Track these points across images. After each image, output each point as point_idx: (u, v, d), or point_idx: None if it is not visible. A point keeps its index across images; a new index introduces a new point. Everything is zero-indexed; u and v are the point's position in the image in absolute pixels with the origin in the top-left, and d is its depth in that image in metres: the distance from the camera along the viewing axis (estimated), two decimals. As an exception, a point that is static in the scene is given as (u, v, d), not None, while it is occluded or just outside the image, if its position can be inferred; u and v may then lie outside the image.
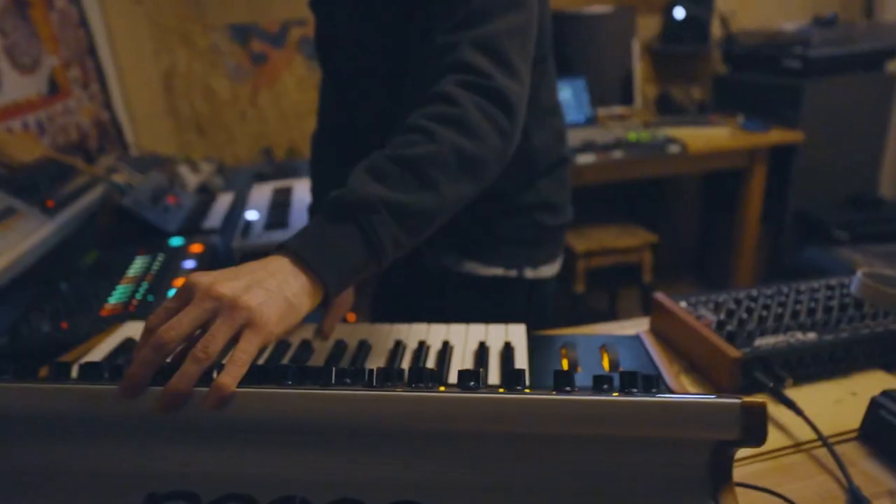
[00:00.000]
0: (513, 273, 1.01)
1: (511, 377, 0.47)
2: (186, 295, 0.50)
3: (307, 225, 0.60)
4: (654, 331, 0.82)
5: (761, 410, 0.40)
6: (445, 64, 0.69)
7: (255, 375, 0.50)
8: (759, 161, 2.23)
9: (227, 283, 0.51)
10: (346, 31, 0.94)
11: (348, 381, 0.49)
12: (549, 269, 1.05)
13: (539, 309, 1.06)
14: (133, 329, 0.77)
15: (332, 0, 0.98)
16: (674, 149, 2.01)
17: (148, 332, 0.49)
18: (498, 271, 1.01)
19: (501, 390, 0.44)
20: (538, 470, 0.44)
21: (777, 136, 2.19)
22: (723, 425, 0.40)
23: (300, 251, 0.55)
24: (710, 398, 0.41)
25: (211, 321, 0.49)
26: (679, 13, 2.54)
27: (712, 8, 2.59)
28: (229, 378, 0.46)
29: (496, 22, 0.70)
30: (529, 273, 1.01)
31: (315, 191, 1.08)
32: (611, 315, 2.60)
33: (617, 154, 1.96)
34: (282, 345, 0.72)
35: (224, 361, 0.48)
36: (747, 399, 0.40)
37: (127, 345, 0.73)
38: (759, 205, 2.31)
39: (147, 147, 2.38)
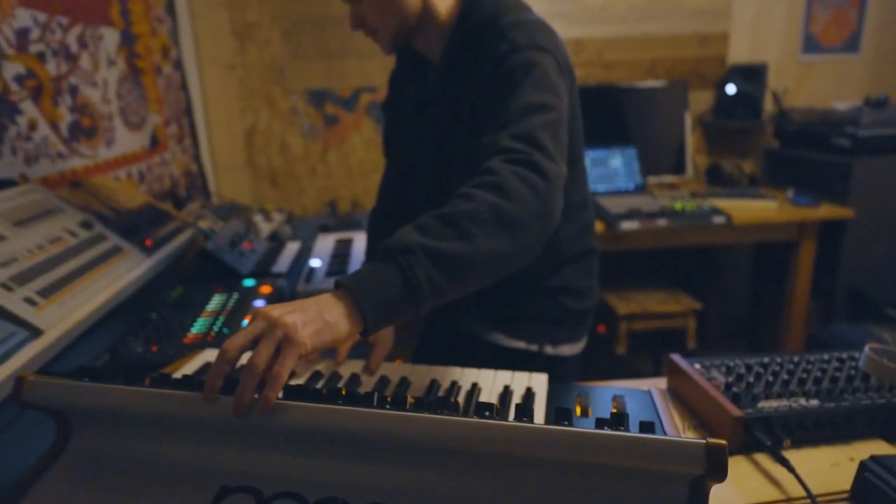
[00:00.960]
0: (534, 348, 1.13)
1: (521, 412, 0.56)
2: (252, 321, 0.63)
3: (357, 269, 0.71)
4: (670, 389, 0.89)
5: (722, 450, 0.48)
6: (488, 154, 0.82)
7: (312, 396, 0.61)
8: (809, 235, 2.24)
9: (277, 308, 0.63)
10: (407, 137, 1.13)
11: (388, 405, 0.60)
12: (570, 349, 1.16)
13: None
14: (211, 355, 0.91)
15: (398, 108, 1.19)
16: (719, 220, 2.06)
17: (221, 350, 0.61)
18: (520, 344, 1.13)
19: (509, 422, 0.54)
20: (535, 492, 0.53)
21: (826, 211, 2.20)
22: (691, 461, 0.48)
23: (344, 283, 0.66)
24: (681, 438, 0.49)
25: (260, 338, 0.60)
26: (731, 89, 2.63)
27: (765, 85, 2.67)
28: (270, 392, 0.58)
29: (531, 120, 0.84)
30: (549, 350, 1.13)
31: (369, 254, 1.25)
32: (655, 380, 2.60)
33: (661, 222, 2.03)
34: (335, 376, 0.84)
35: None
36: (711, 440, 0.48)
37: (206, 367, 0.86)
38: (809, 278, 2.30)
39: (226, 195, 2.63)
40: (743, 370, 0.84)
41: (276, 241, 1.84)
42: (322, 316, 0.63)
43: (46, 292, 0.94)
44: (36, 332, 0.86)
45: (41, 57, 1.41)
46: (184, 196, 2.20)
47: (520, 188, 0.74)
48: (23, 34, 1.35)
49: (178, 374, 0.83)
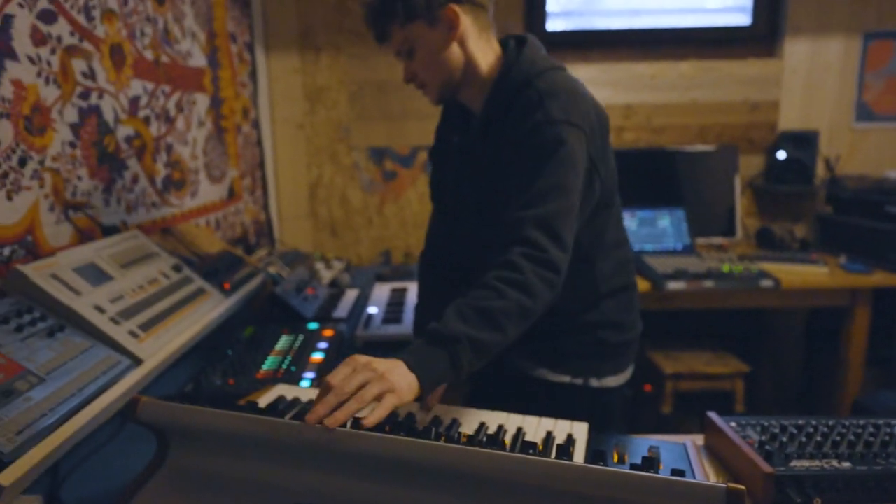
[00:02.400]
0: (579, 381, 1.20)
1: (561, 452, 0.63)
2: (352, 365, 0.78)
3: (416, 344, 0.87)
4: (707, 446, 0.93)
5: (741, 494, 0.54)
6: (514, 237, 0.98)
7: (379, 428, 0.70)
8: (863, 302, 2.22)
9: (379, 364, 0.78)
10: (451, 182, 1.25)
11: (444, 440, 0.68)
12: (615, 380, 1.22)
13: (605, 414, 1.22)
14: (282, 389, 1.01)
15: (443, 155, 1.32)
16: (767, 283, 2.08)
17: (328, 385, 0.75)
18: (565, 379, 1.20)
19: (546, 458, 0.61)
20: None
21: (880, 278, 2.18)
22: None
23: (409, 362, 0.82)
24: (703, 482, 0.56)
25: (365, 384, 0.75)
26: (782, 155, 2.67)
27: (816, 151, 2.69)
28: (373, 418, 0.71)
29: (552, 205, 0.99)
30: (594, 383, 1.20)
31: (420, 299, 1.38)
32: (702, 444, 2.55)
33: (708, 284, 2.06)
34: (394, 415, 0.92)
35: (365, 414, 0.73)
36: (731, 485, 0.54)
37: (279, 400, 0.96)
38: (864, 346, 2.25)
39: (289, 243, 2.81)
40: (777, 430, 0.88)
41: (337, 288, 1.97)
42: (406, 381, 0.80)
43: (146, 327, 1.08)
44: (137, 362, 0.99)
45: (146, 120, 1.62)
46: (253, 243, 2.38)
47: (539, 288, 0.93)
48: (134, 101, 1.55)
49: (261, 403, 0.93)
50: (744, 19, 2.80)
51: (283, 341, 1.36)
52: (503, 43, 1.21)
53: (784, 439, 0.85)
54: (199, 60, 1.97)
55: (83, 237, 1.30)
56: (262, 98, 2.65)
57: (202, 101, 1.98)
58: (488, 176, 1.17)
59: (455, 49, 1.14)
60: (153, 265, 1.27)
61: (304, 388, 1.04)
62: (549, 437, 0.83)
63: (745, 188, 2.81)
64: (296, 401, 0.95)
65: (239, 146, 2.34)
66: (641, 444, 0.83)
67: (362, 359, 0.79)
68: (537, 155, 1.04)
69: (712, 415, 0.93)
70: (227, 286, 1.44)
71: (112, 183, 1.45)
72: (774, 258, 2.34)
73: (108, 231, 1.40)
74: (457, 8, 1.11)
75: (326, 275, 2.05)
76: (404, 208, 2.91)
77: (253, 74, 2.53)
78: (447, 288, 1.27)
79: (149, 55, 1.63)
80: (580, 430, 0.86)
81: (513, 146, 1.09)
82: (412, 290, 1.94)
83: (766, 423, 0.90)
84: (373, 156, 2.85)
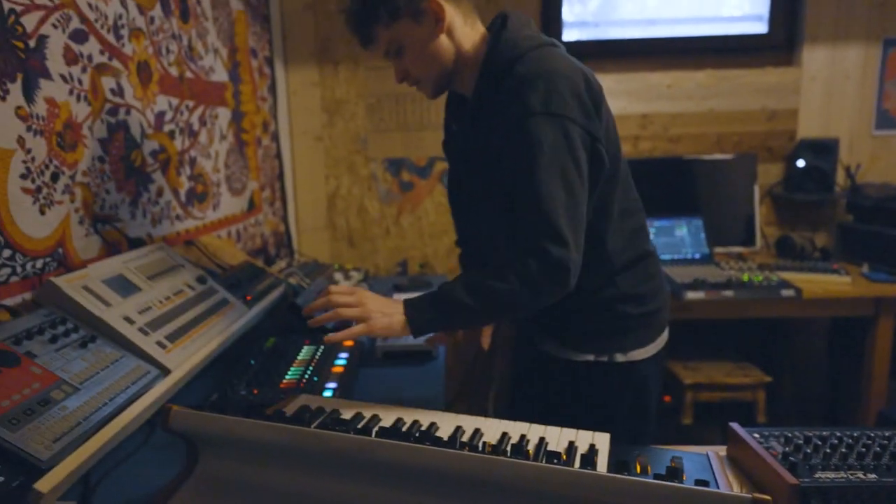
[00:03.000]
0: (604, 358, 1.20)
1: (585, 461, 0.64)
2: (355, 291, 1.09)
3: (426, 294, 1.10)
4: (729, 457, 0.93)
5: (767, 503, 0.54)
6: (523, 247, 1.04)
7: (404, 437, 0.71)
8: (887, 311, 2.19)
9: (373, 301, 1.07)
10: (455, 171, 1.31)
11: (468, 449, 0.69)
12: (643, 353, 1.22)
13: (637, 388, 1.23)
14: (307, 399, 1.03)
15: (450, 144, 1.33)
16: (788, 293, 2.06)
17: (327, 290, 1.09)
18: (589, 357, 1.20)
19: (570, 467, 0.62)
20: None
21: (905, 287, 2.15)
22: (738, 513, 0.55)
23: (407, 308, 1.07)
24: (728, 492, 0.56)
25: (349, 306, 1.06)
26: (801, 163, 2.65)
27: (836, 160, 2.67)
28: (334, 336, 1.07)
29: (553, 213, 1.01)
30: (620, 357, 1.20)
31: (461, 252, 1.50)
32: (723, 455, 2.53)
33: (728, 293, 2.05)
34: (416, 423, 0.94)
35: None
36: (757, 494, 0.54)
37: (304, 409, 0.98)
38: (888, 357, 2.22)
39: (307, 253, 2.84)
40: (801, 441, 0.87)
41: (355, 299, 1.99)
42: (391, 318, 1.05)
43: (173, 337, 1.10)
44: (165, 371, 1.01)
45: (171, 134, 1.66)
46: (273, 254, 2.41)
47: (546, 287, 1.04)
48: (160, 116, 1.59)
49: (287, 413, 0.95)
50: (761, 27, 2.80)
51: (304, 352, 1.38)
52: (491, 23, 1.20)
53: (808, 450, 0.84)
54: (221, 75, 2.01)
55: (110, 249, 1.34)
56: (282, 111, 2.69)
57: (224, 114, 2.03)
58: (482, 161, 1.18)
59: (443, 40, 1.14)
60: (178, 277, 1.30)
61: (328, 398, 1.05)
62: (571, 446, 0.84)
63: (763, 197, 2.79)
64: (320, 410, 0.96)
65: (259, 159, 2.38)
66: (664, 455, 0.83)
67: (367, 292, 1.09)
68: (525, 153, 1.05)
69: (735, 426, 0.93)
70: (249, 298, 1.47)
71: (138, 196, 1.48)
72: (795, 267, 2.32)
73: (135, 244, 1.44)
74: None
75: (345, 285, 2.07)
76: (421, 218, 2.93)
77: (272, 88, 2.57)
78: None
79: (174, 71, 1.68)
80: (602, 441, 0.86)
81: (502, 136, 1.10)
82: (430, 300, 1.95)
83: (789, 434, 0.89)
84: (390, 167, 2.88)
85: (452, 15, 1.14)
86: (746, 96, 2.76)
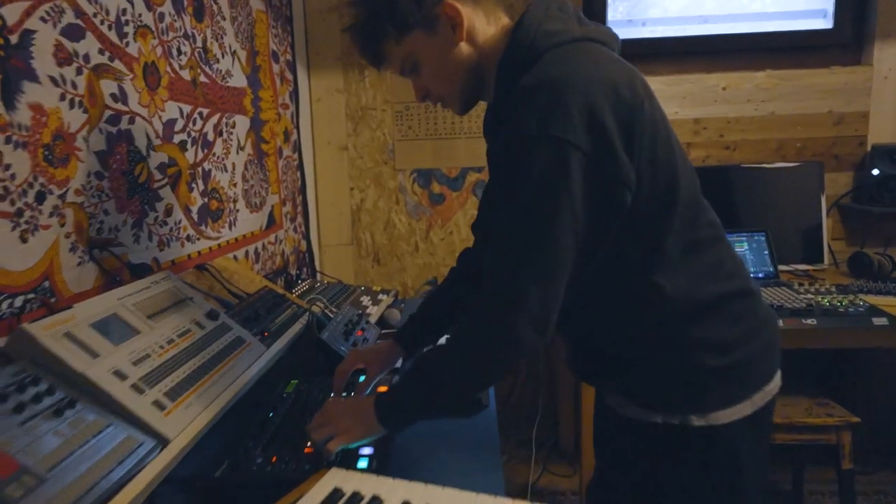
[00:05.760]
0: (675, 421, 0.93)
1: None
2: (323, 415, 0.98)
3: (392, 388, 0.99)
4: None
5: None
6: (482, 298, 0.89)
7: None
8: None
9: (341, 415, 0.96)
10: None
11: None
12: (729, 414, 0.93)
13: (722, 462, 0.94)
14: (337, 478, 0.82)
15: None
16: (880, 321, 1.80)
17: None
18: (657, 419, 0.94)
19: None
20: None
21: None
22: None
23: (378, 408, 0.94)
24: None
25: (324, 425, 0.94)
26: (875, 172, 2.39)
27: (915, 168, 2.41)
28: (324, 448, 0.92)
29: (519, 268, 0.84)
30: (696, 421, 0.92)
31: (441, 285, 1.32)
32: (795, 499, 2.26)
33: (810, 322, 1.79)
34: (356, 496, 0.72)
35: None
36: None
37: (335, 494, 0.77)
38: None
39: (330, 273, 2.65)
40: None
41: (386, 326, 1.78)
42: (367, 426, 0.94)
43: (175, 393, 0.90)
44: (163, 442, 0.81)
45: (182, 145, 1.47)
46: (294, 274, 2.22)
47: (492, 360, 0.90)
48: (170, 125, 1.41)
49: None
50: (824, 24, 2.55)
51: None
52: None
53: None
54: (239, 80, 1.83)
55: (109, 279, 1.15)
56: (304, 119, 2.51)
57: (242, 123, 1.84)
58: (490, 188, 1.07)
59: (464, 48, 0.96)
60: (186, 313, 1.10)
61: (363, 474, 0.84)
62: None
63: (830, 209, 2.53)
64: (355, 497, 0.75)
65: (280, 171, 2.19)
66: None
67: (332, 407, 0.99)
68: (506, 186, 0.86)
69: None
70: (266, 334, 1.27)
71: (143, 216, 1.30)
72: (877, 290, 2.05)
73: (138, 271, 1.25)
74: (453, 1, 0.93)
75: (374, 311, 1.86)
76: (453, 233, 2.73)
77: (294, 94, 2.39)
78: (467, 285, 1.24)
79: (186, 75, 1.49)
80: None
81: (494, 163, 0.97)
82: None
83: None
84: (419, 178, 2.69)
85: (471, 17, 0.96)
86: (811, 98, 2.51)
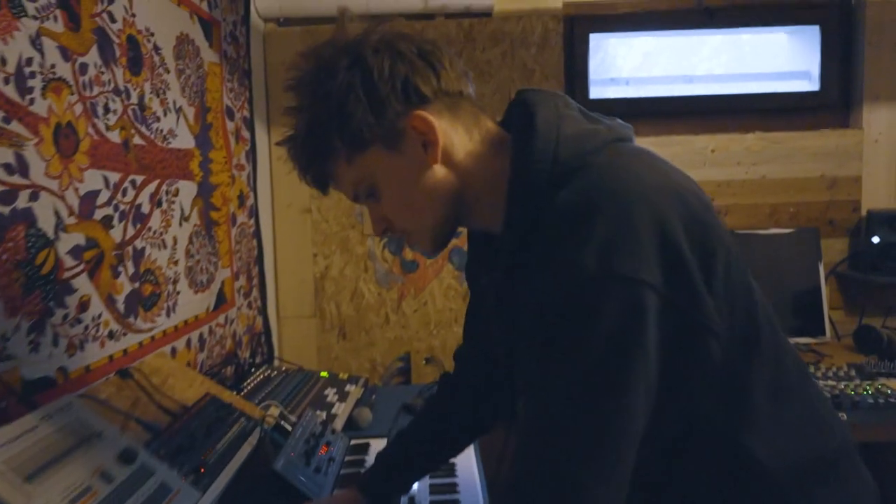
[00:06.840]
0: None
1: None
2: None
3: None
4: None
5: None
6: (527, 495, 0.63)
7: None
8: None
9: None
10: (485, 329, 0.92)
11: None
12: None
13: None
14: None
15: (476, 296, 0.99)
16: (913, 413, 1.61)
17: None
18: None
19: None
20: None
21: None
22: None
23: None
24: None
25: None
26: (875, 239, 2.27)
27: (914, 235, 2.29)
28: None
29: (579, 450, 0.60)
30: None
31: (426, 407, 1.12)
32: None
33: (840, 416, 1.59)
34: None
35: None
36: None
37: None
38: None
39: (289, 355, 2.35)
40: None
41: (356, 432, 1.50)
42: None
43: None
44: None
45: (106, 222, 1.20)
46: (246, 359, 1.92)
47: None
48: (89, 198, 1.14)
49: None
50: (809, 85, 2.48)
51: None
52: (507, 112, 0.80)
53: None
54: (185, 140, 1.57)
55: (-14, 411, 0.85)
56: (263, 180, 2.26)
57: (187, 189, 1.58)
58: (515, 335, 0.74)
59: (438, 172, 0.74)
60: (88, 460, 0.81)
61: None
62: None
63: (827, 277, 2.39)
64: None
65: (232, 241, 1.92)
66: None
67: None
68: (551, 344, 0.62)
69: None
70: (202, 470, 0.98)
71: (46, 316, 1.01)
72: (893, 371, 1.88)
73: (35, 387, 0.96)
74: (424, 113, 0.71)
75: (340, 409, 1.58)
76: (427, 304, 2.47)
77: (251, 154, 2.14)
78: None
79: (115, 137, 1.23)
80: None
81: (529, 307, 0.67)
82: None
83: None
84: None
85: (448, 133, 0.74)
86: (802, 162, 2.40)
